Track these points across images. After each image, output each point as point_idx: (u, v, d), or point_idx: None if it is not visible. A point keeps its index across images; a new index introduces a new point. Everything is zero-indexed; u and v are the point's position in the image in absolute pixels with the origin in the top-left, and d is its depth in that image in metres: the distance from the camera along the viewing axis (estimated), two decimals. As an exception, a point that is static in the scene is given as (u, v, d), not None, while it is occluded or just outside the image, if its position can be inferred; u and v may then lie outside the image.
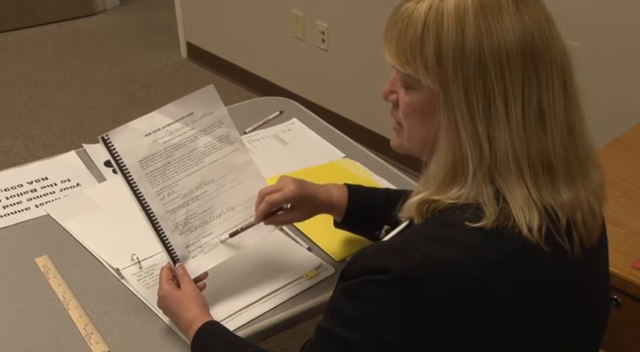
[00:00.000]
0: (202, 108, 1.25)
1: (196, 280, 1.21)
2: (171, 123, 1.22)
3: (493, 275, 0.83)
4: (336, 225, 1.33)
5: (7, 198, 1.53)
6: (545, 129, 0.85)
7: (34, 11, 4.55)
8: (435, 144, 0.89)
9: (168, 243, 1.20)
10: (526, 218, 0.84)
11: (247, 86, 3.77)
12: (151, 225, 1.19)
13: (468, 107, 0.84)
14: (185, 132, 1.23)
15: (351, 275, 0.88)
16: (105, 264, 1.35)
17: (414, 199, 0.91)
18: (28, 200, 1.53)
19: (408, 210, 0.93)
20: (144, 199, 1.18)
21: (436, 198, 0.88)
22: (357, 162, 1.65)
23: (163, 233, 1.20)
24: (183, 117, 1.24)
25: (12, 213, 1.49)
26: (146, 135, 1.20)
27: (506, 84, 0.84)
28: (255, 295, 1.26)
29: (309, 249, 1.38)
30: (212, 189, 1.25)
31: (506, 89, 0.84)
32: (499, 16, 0.84)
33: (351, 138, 1.77)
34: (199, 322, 1.12)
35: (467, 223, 0.84)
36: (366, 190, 1.33)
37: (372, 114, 3.09)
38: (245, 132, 1.76)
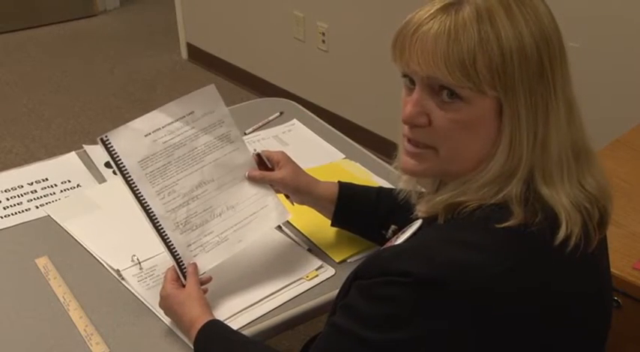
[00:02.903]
0: (203, 107, 1.25)
1: (200, 283, 1.21)
2: (172, 123, 1.22)
3: (513, 278, 0.82)
4: (332, 222, 1.33)
5: (8, 199, 1.53)
6: (574, 119, 0.85)
7: (34, 12, 4.56)
8: (482, 156, 0.87)
9: (170, 242, 1.20)
10: (570, 220, 0.83)
11: (247, 87, 3.77)
12: (151, 224, 1.19)
13: (535, 111, 0.83)
14: (185, 132, 1.23)
15: (368, 275, 0.87)
16: (105, 264, 1.35)
17: (442, 197, 0.89)
18: (28, 201, 1.53)
19: (432, 207, 0.90)
20: (144, 199, 1.18)
21: (464, 199, 0.87)
22: (358, 163, 1.65)
23: (164, 232, 1.19)
24: (184, 117, 1.23)
25: (12, 214, 1.49)
26: (146, 135, 1.20)
27: (555, 78, 0.82)
28: (255, 296, 1.26)
29: (309, 249, 1.38)
30: (212, 188, 1.25)
31: (556, 83, 0.83)
32: (536, 7, 0.83)
33: (351, 139, 1.77)
34: (202, 321, 1.12)
35: (494, 224, 0.83)
36: (357, 188, 1.34)
37: (373, 115, 3.09)
38: (245, 134, 1.76)
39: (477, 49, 0.81)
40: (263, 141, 1.75)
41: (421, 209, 0.93)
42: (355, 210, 1.31)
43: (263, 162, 1.30)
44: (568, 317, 0.88)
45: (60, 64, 4.10)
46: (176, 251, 1.20)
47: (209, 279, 1.23)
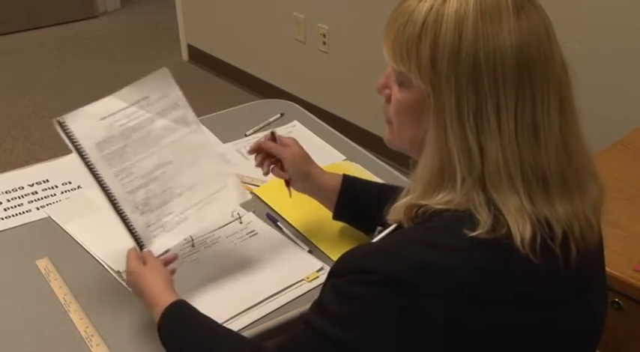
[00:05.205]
0: (157, 91, 1.27)
1: (165, 263, 1.22)
2: (127, 107, 1.24)
3: (481, 281, 0.83)
4: (334, 216, 1.34)
5: (8, 201, 1.53)
6: (538, 143, 0.85)
7: (35, 14, 4.56)
8: (423, 145, 0.89)
9: (130, 223, 1.21)
10: (519, 227, 0.83)
11: (248, 88, 3.77)
12: (111, 206, 1.20)
13: (459, 114, 0.84)
14: (141, 116, 1.25)
15: (339, 274, 0.89)
16: (106, 266, 1.35)
17: (401, 202, 0.92)
18: (29, 202, 1.53)
19: (396, 213, 0.93)
20: (102, 180, 1.20)
21: (424, 202, 0.88)
22: (358, 165, 1.65)
23: (124, 213, 1.21)
24: (139, 101, 1.25)
25: (13, 215, 1.49)
26: (102, 119, 1.21)
27: (499, 94, 0.83)
28: (256, 297, 1.26)
29: (309, 251, 1.38)
30: (171, 169, 1.26)
31: (499, 99, 0.83)
32: (498, 25, 0.83)
33: (352, 140, 1.77)
34: (165, 298, 1.13)
35: (464, 230, 0.83)
36: (361, 182, 1.36)
37: (373, 117, 3.09)
38: (246, 135, 1.76)
39: (416, 39, 0.85)
40: (264, 142, 1.74)
41: (389, 217, 0.95)
42: (356, 204, 1.31)
43: (275, 141, 1.33)
44: (543, 321, 0.87)
45: (61, 66, 4.10)
46: (136, 231, 1.22)
47: (174, 257, 1.24)
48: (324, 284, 0.93)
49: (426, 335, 0.82)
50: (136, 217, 1.22)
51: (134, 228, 1.22)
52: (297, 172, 1.31)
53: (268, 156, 1.34)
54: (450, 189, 0.86)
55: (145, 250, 1.21)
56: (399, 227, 0.95)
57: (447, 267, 0.82)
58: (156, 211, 1.24)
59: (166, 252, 1.24)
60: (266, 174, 1.35)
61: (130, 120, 1.23)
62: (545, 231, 0.85)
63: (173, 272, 1.22)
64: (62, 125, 1.18)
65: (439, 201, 0.87)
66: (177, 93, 1.29)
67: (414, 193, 0.90)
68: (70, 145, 1.19)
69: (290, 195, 1.34)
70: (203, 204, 1.28)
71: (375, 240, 0.97)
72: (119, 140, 1.22)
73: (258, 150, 1.34)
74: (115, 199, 1.20)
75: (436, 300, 0.81)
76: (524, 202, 0.84)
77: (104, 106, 1.22)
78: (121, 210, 1.21)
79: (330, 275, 0.92)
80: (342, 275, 0.88)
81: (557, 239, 0.85)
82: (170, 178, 1.26)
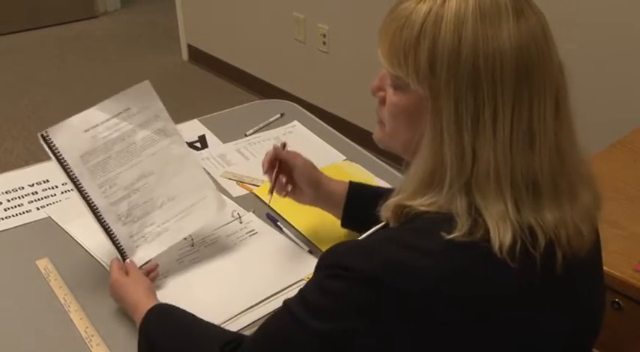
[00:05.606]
0: (138, 103, 1.29)
1: (147, 272, 1.25)
2: (109, 119, 1.26)
3: (457, 283, 0.82)
4: (342, 224, 1.34)
5: (9, 201, 1.53)
6: (533, 149, 0.84)
7: (35, 14, 4.56)
8: (418, 148, 0.88)
9: (113, 234, 1.24)
10: (500, 233, 0.82)
11: (248, 88, 3.77)
12: (95, 218, 1.23)
13: (457, 119, 0.83)
14: (123, 127, 1.27)
15: (322, 267, 0.90)
16: (106, 266, 1.34)
17: (390, 201, 0.92)
18: (29, 202, 1.53)
19: (386, 210, 0.93)
20: (86, 193, 1.22)
21: (409, 203, 0.88)
22: (359, 165, 1.65)
23: (107, 225, 1.24)
24: (120, 113, 1.27)
25: (13, 215, 1.49)
26: (85, 131, 1.23)
27: (497, 99, 0.82)
28: (256, 297, 1.26)
29: (310, 251, 1.38)
30: (152, 180, 1.29)
31: (497, 105, 0.82)
32: (498, 27, 0.82)
33: (352, 140, 1.77)
34: (145, 304, 1.15)
35: (441, 233, 0.83)
36: (367, 188, 1.36)
37: (373, 117, 3.09)
38: (246, 135, 1.76)
39: (414, 42, 0.84)
40: (263, 142, 1.75)
41: (380, 214, 0.96)
42: (363, 210, 1.31)
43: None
44: (525, 322, 0.86)
45: (61, 66, 4.11)
46: (119, 242, 1.24)
47: (155, 267, 1.27)
48: (313, 274, 0.94)
49: (400, 333, 0.82)
50: (118, 228, 1.25)
51: (117, 239, 1.24)
52: (308, 180, 1.31)
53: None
54: (437, 192, 0.86)
55: (127, 261, 1.25)
56: (386, 226, 0.95)
57: (421, 268, 0.82)
58: (138, 222, 1.27)
59: (148, 261, 1.27)
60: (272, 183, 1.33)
61: (113, 132, 1.25)
62: (527, 238, 0.84)
63: (154, 279, 1.25)
64: (46, 139, 1.20)
65: (423, 202, 0.87)
66: (158, 105, 1.31)
67: (404, 193, 0.90)
68: (54, 158, 1.20)
69: (269, 202, 1.34)
70: (183, 215, 1.31)
71: (361, 238, 0.97)
72: (102, 152, 1.24)
73: (272, 164, 1.32)
74: (98, 211, 1.23)
75: (410, 300, 0.81)
76: (510, 208, 0.83)
77: (87, 118, 1.24)
78: (104, 221, 1.24)
79: (316, 267, 0.93)
80: (324, 269, 0.89)
81: (539, 246, 0.84)
82: (151, 189, 1.29)
